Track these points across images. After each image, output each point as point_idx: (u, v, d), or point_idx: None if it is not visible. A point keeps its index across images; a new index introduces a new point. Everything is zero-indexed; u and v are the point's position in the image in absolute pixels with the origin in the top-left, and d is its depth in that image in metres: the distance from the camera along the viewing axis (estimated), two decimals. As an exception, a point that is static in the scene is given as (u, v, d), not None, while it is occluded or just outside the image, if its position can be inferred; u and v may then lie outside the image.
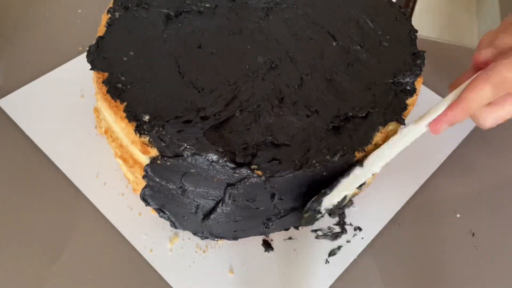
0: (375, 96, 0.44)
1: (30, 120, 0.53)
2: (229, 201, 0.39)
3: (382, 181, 0.51)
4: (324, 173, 0.39)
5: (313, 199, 0.40)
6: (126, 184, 0.48)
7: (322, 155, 0.40)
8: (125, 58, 0.44)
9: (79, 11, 0.65)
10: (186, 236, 0.46)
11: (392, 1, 0.52)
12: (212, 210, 0.41)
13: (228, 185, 0.38)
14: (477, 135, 0.57)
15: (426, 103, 0.46)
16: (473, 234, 0.50)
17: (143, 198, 0.42)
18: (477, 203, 0.52)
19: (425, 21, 0.51)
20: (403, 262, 0.48)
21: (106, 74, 0.42)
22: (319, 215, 0.42)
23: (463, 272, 0.47)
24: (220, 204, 0.40)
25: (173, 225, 0.44)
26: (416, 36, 0.49)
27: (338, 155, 0.40)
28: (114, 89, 0.41)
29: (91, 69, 0.43)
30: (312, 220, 0.43)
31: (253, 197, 0.39)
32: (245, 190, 0.38)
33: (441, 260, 0.48)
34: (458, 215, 0.51)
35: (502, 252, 0.49)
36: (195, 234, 0.45)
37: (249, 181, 0.38)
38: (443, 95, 0.59)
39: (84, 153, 0.50)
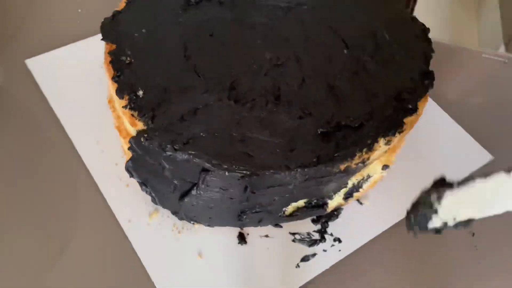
0: (373, 108, 0.43)
1: (51, 82, 0.56)
2: (203, 186, 0.40)
3: (374, 197, 0.50)
4: (298, 177, 0.39)
5: (429, 188, 0.32)
6: (121, 155, 0.50)
7: (304, 158, 0.39)
8: (136, 34, 0.45)
9: (79, 11, 0.65)
10: (166, 214, 0.47)
11: (416, 18, 0.51)
12: (188, 192, 0.42)
13: (203, 169, 0.39)
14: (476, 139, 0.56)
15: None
16: (473, 234, 0.50)
17: (127, 169, 0.44)
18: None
19: (425, 21, 0.51)
20: (403, 262, 0.47)
21: (114, 46, 0.44)
22: (433, 215, 0.32)
23: (463, 272, 0.47)
24: (195, 187, 0.41)
25: (154, 201, 0.46)
26: (431, 56, 0.47)
27: (320, 161, 0.39)
28: (117, 61, 0.43)
29: (102, 39, 0.45)
30: (422, 220, 0.32)
31: (226, 186, 0.40)
32: (219, 178, 0.39)
33: (441, 260, 0.48)
34: None
35: (502, 252, 0.49)
36: (173, 213, 0.46)
37: (224, 169, 0.38)
38: (442, 95, 0.58)
39: (91, 121, 0.52)
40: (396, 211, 0.49)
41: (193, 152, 0.38)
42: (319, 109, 0.43)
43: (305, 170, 0.39)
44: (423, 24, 0.50)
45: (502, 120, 0.58)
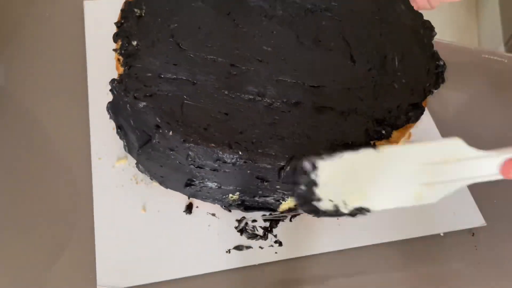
0: (345, 128, 0.42)
1: (96, 29, 0.60)
2: (154, 141, 0.42)
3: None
4: (237, 159, 0.39)
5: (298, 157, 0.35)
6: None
7: (248, 142, 0.40)
8: None
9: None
10: (133, 164, 0.49)
11: (436, 54, 0.48)
12: (144, 144, 0.44)
13: (156, 125, 0.41)
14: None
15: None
16: (473, 234, 0.49)
17: (107, 109, 0.47)
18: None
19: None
20: (403, 262, 0.48)
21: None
22: (314, 188, 0.34)
23: (463, 272, 0.48)
24: (149, 141, 0.43)
25: (125, 148, 0.49)
26: (433, 92, 0.45)
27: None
28: (128, 11, 0.47)
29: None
30: (307, 194, 0.35)
31: (173, 147, 0.41)
32: (166, 137, 0.40)
33: (441, 260, 0.48)
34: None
35: (502, 252, 0.49)
36: (137, 165, 0.49)
37: (170, 130, 0.40)
38: (442, 95, 0.54)
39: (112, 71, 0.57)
40: (359, 236, 0.47)
41: (148, 105, 0.40)
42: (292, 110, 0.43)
43: (246, 154, 0.39)
44: (441, 60, 0.47)
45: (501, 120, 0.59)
